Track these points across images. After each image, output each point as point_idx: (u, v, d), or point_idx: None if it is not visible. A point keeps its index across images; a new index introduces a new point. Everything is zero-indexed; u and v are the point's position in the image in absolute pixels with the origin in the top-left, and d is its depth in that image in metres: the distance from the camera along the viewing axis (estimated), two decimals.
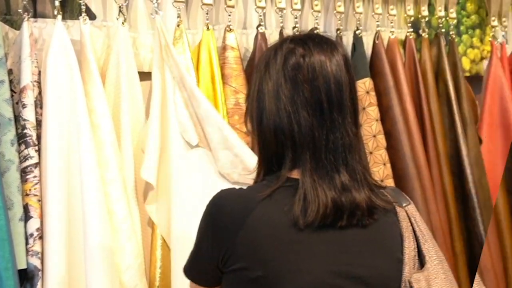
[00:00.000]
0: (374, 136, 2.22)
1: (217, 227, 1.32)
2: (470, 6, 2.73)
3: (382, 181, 2.19)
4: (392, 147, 2.25)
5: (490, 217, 2.46)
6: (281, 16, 2.19)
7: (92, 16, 1.96)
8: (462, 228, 2.37)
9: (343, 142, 1.31)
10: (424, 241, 1.39)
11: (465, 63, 2.72)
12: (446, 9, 2.53)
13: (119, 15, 1.90)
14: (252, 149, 2.04)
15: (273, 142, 1.34)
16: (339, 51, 1.35)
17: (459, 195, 2.38)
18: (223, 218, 1.31)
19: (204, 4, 2.05)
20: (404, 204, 1.41)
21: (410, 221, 1.39)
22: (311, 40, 1.35)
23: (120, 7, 1.91)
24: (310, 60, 1.31)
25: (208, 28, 2.04)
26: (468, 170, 2.38)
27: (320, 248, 1.30)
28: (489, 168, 2.53)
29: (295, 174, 1.32)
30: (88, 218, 1.70)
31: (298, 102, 1.30)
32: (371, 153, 2.21)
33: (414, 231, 1.39)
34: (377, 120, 2.25)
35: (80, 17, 1.84)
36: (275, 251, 1.29)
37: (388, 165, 2.23)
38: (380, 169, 2.21)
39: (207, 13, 2.05)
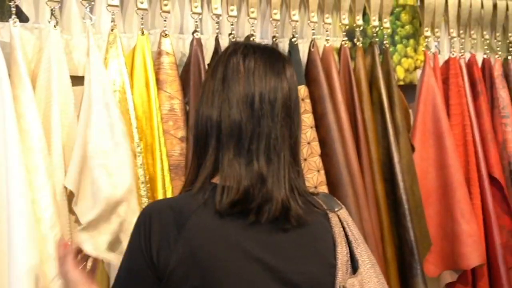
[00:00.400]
0: (309, 143, 2.25)
1: (151, 242, 1.30)
2: (404, 17, 2.79)
3: (316, 187, 2.22)
4: (326, 154, 2.28)
5: (421, 224, 2.51)
6: (217, 23, 2.20)
7: (24, 18, 1.91)
8: (393, 235, 2.41)
9: (268, 139, 1.33)
10: (356, 245, 1.41)
11: (400, 72, 2.78)
12: (380, 19, 2.58)
13: (51, 18, 1.87)
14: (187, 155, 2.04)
15: (203, 135, 1.36)
16: (285, 62, 1.40)
17: (391, 202, 2.43)
18: (157, 232, 1.30)
19: (139, 8, 2.04)
20: (336, 209, 1.43)
21: (343, 226, 1.42)
22: (258, 47, 1.41)
23: (52, 9, 1.88)
24: (250, 62, 1.36)
25: (143, 33, 2.02)
26: (399, 177, 2.42)
27: (253, 254, 1.31)
28: (421, 175, 2.58)
29: (217, 180, 1.34)
30: (13, 226, 1.66)
31: (231, 97, 1.34)
32: (305, 159, 2.23)
33: (347, 236, 1.41)
34: (311, 127, 2.27)
35: (10, 19, 1.80)
36: (211, 258, 1.30)
37: (322, 171, 2.26)
38: (314, 176, 2.23)
39: (142, 18, 2.04)
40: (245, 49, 1.39)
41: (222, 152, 1.33)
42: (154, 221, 1.31)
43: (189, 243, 1.29)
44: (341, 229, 1.41)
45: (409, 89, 2.76)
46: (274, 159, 1.33)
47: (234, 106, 1.33)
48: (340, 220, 1.42)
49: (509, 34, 2.98)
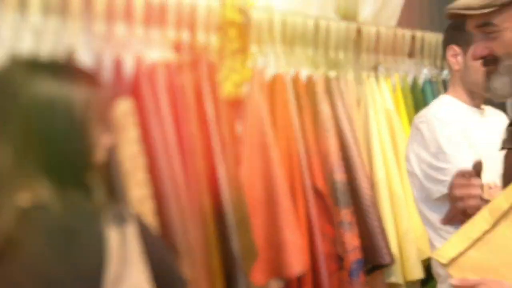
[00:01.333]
0: (133, 158, 2.24)
1: None
2: (232, 32, 2.85)
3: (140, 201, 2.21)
4: (152, 168, 2.28)
5: (247, 235, 2.57)
6: None
7: None
8: (219, 248, 2.45)
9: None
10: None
11: (228, 87, 2.83)
12: (207, 33, 2.62)
13: None
14: None
15: None
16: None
17: (217, 214, 2.47)
18: None
19: None
20: (123, 226, 1.39)
21: (123, 243, 1.38)
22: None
23: None
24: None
25: None
26: (224, 190, 2.47)
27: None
28: (248, 187, 2.65)
29: None
30: None
31: None
32: (130, 174, 2.22)
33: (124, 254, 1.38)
34: (137, 142, 2.26)
35: None
36: None
37: (148, 186, 2.25)
38: (138, 191, 2.22)
39: None
40: None
41: None
42: None
43: None
44: (122, 246, 1.38)
45: (237, 103, 2.82)
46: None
47: None
48: (124, 237, 1.38)
49: (330, 52, 3.14)
